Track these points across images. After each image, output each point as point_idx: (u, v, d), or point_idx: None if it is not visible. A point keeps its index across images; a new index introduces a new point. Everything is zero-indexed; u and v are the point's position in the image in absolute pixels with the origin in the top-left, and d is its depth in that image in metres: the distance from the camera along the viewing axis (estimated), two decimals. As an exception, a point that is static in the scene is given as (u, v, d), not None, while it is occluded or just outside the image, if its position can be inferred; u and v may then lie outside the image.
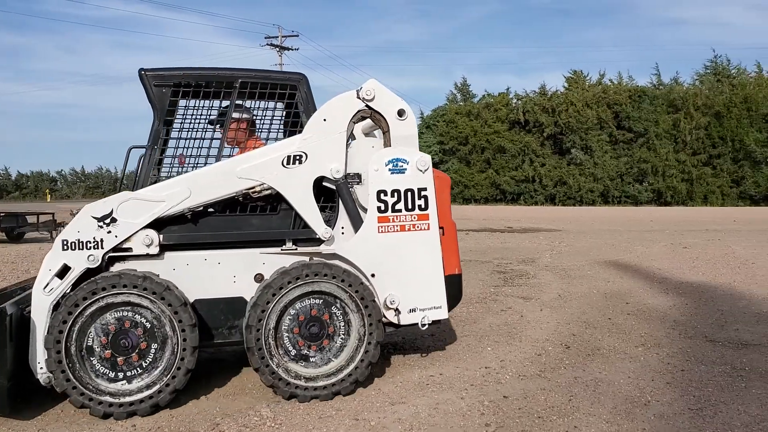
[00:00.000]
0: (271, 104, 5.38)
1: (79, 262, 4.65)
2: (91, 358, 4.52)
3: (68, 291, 4.60)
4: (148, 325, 4.59)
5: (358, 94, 5.10)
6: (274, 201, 5.09)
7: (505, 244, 16.78)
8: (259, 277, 4.98)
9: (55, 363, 4.40)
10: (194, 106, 5.18)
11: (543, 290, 9.49)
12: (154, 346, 4.60)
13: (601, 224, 25.57)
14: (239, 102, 5.26)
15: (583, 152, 51.49)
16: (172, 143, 5.11)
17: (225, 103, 5.20)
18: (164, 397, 4.56)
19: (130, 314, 4.57)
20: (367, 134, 5.54)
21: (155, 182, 4.95)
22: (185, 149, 5.09)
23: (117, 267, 4.82)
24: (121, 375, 4.56)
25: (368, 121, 5.34)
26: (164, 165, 5.07)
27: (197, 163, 5.05)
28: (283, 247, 5.05)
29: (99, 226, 4.69)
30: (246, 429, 4.28)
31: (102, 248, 4.68)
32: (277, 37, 50.43)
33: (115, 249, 4.73)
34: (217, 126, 5.23)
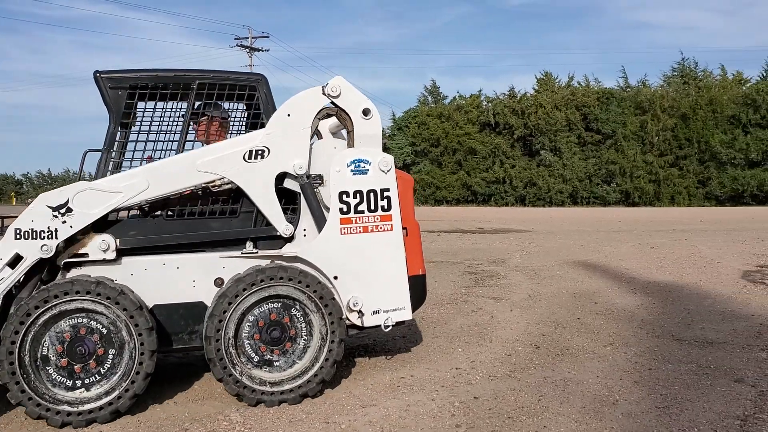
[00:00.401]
0: (232, 105, 5.29)
1: (32, 251, 4.50)
2: (47, 368, 4.37)
3: (19, 281, 4.49)
4: (104, 330, 4.44)
5: (323, 90, 5.02)
6: (234, 202, 4.99)
7: (476, 245, 16.81)
8: (219, 282, 4.86)
9: (9, 374, 4.23)
10: (152, 108, 5.06)
11: (513, 291, 9.49)
12: (112, 351, 4.46)
13: (570, 225, 25.79)
14: (197, 102, 5.13)
15: (553, 154, 52.02)
16: (129, 146, 4.98)
17: (184, 104, 5.08)
18: (124, 403, 4.42)
19: (85, 321, 4.42)
20: (334, 134, 5.46)
21: None
22: (143, 152, 4.95)
23: (73, 273, 4.67)
24: (78, 383, 4.41)
25: (335, 120, 5.27)
26: (122, 168, 4.93)
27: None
28: (244, 251, 4.94)
29: (54, 215, 4.54)
30: (210, 436, 4.18)
31: (56, 238, 4.54)
32: (247, 38, 50.16)
33: (69, 242, 4.59)
34: (190, 126, 5.11)
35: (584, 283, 10.17)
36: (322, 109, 5.05)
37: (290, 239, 5.03)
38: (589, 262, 12.67)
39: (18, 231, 4.51)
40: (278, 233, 4.94)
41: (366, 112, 5.09)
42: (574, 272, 11.37)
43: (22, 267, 4.50)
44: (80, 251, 4.67)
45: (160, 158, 4.93)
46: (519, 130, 52.93)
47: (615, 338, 6.49)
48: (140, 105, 4.99)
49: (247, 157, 4.87)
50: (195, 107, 5.07)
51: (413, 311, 5.24)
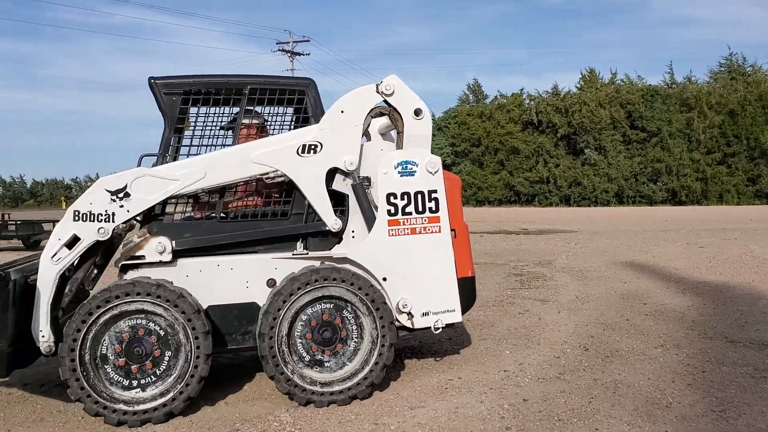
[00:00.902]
0: (281, 109, 5.38)
1: (89, 233, 4.65)
2: (106, 366, 4.51)
3: (75, 262, 4.64)
4: (161, 332, 4.57)
5: (377, 88, 5.07)
6: (285, 204, 5.07)
7: (520, 246, 16.67)
8: (271, 282, 4.95)
9: (70, 371, 4.40)
10: (205, 113, 5.18)
11: (560, 292, 9.40)
12: (168, 353, 4.58)
13: (617, 224, 25.36)
14: (249, 107, 5.24)
15: (597, 152, 51.13)
16: (183, 150, 5.10)
17: (235, 109, 5.19)
18: (178, 405, 4.54)
19: (143, 322, 4.55)
20: (383, 135, 5.49)
21: None
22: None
23: (131, 274, 4.81)
24: (135, 383, 4.54)
25: (385, 121, 5.31)
26: None
27: None
28: (294, 252, 5.02)
29: (112, 199, 4.69)
30: (263, 435, 4.25)
31: (113, 222, 4.68)
32: (289, 42, 50.60)
33: (126, 222, 4.76)
34: (229, 131, 5.22)
35: (632, 283, 10.02)
36: (374, 107, 5.10)
37: (339, 241, 5.09)
38: (637, 263, 12.46)
39: (77, 213, 4.66)
40: (327, 228, 5.00)
41: (417, 112, 5.12)
42: (622, 273, 11.20)
43: (79, 248, 4.66)
44: (137, 253, 4.81)
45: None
46: (563, 128, 52.17)
47: (666, 340, 6.39)
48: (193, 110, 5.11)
49: (300, 151, 4.95)
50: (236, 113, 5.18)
51: (463, 313, 5.26)
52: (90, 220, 4.65)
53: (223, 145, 5.08)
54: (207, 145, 5.07)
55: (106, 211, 4.67)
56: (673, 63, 76.13)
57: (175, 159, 5.03)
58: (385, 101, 5.10)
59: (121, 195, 4.69)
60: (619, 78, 54.13)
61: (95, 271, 5.07)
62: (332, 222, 5.00)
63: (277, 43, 50.51)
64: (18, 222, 19.30)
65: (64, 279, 4.71)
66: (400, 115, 5.10)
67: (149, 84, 5.00)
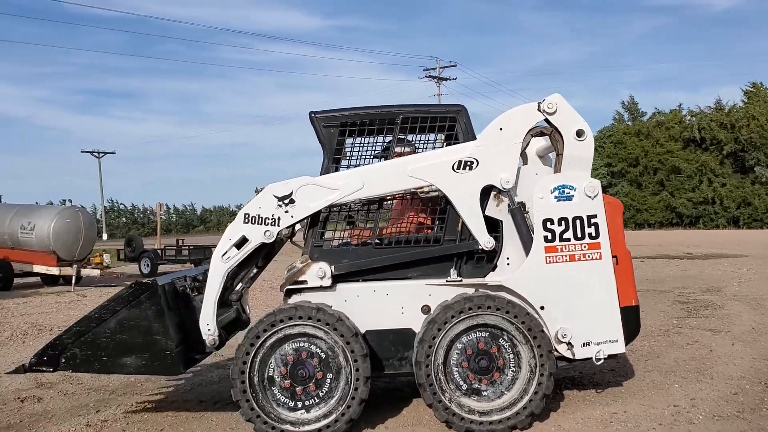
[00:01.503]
0: (432, 136, 5.44)
1: (257, 235, 4.95)
2: (273, 388, 4.74)
3: (242, 260, 4.98)
4: (323, 355, 4.74)
5: (539, 107, 4.99)
6: (437, 230, 5.10)
7: (685, 272, 15.64)
8: (426, 309, 4.98)
9: (241, 392, 4.66)
10: (360, 143, 5.37)
11: (733, 322, 8.68)
12: (330, 375, 4.73)
13: (797, 248, 23.07)
14: (401, 136, 5.35)
15: (770, 170, 47.02)
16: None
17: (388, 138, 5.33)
18: (340, 427, 4.66)
19: (306, 345, 4.75)
20: (542, 157, 5.37)
21: (325, 219, 5.17)
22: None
23: (294, 299, 5.05)
24: (300, 404, 4.74)
25: (543, 143, 5.22)
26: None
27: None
28: (448, 279, 5.03)
29: (278, 204, 4.97)
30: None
31: (278, 226, 4.96)
32: (435, 68, 51.30)
33: (289, 228, 5.03)
34: (382, 160, 5.36)
35: (820, 314, 9.04)
36: (535, 126, 5.02)
37: (493, 268, 5.04)
38: (824, 291, 11.24)
39: (247, 215, 4.99)
40: (480, 246, 4.97)
41: (580, 133, 4.98)
42: (806, 302, 10.14)
43: (247, 249, 4.98)
44: (300, 278, 5.04)
45: None
46: (729, 145, 48.64)
47: None
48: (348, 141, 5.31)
49: (455, 167, 4.97)
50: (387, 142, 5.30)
51: (626, 344, 4.99)
52: (258, 223, 4.96)
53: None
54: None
55: (272, 215, 4.96)
56: None
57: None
58: (547, 120, 5.00)
59: (286, 201, 4.97)
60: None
61: (254, 271, 5.38)
62: (485, 240, 4.96)
63: (424, 70, 51.35)
64: (191, 247, 21.01)
65: (231, 278, 5.07)
66: (561, 136, 4.98)
67: (310, 118, 5.26)
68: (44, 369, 4.99)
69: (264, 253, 5.24)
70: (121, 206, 70.54)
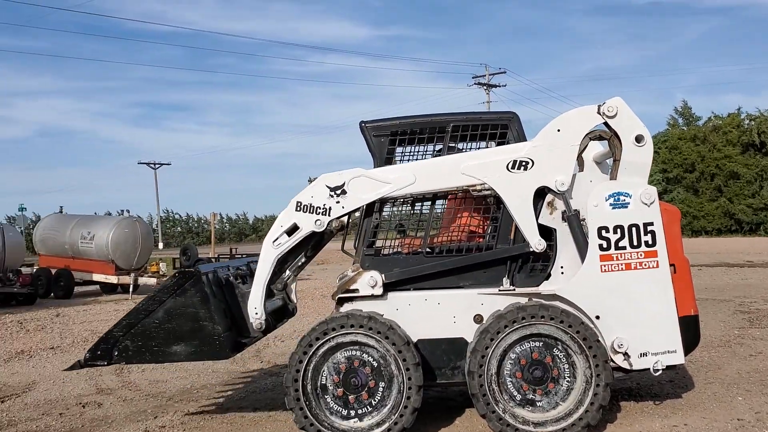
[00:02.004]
0: (484, 144, 5.40)
1: (308, 223, 5.01)
2: (326, 396, 4.77)
3: (292, 247, 5.03)
4: (375, 363, 4.75)
5: (599, 110, 4.92)
6: (488, 238, 5.07)
7: (746, 280, 15.14)
8: (478, 318, 4.95)
9: (294, 400, 4.71)
10: (410, 152, 5.38)
11: (799, 333, 8.35)
12: (382, 384, 4.74)
13: None
14: (452, 144, 5.34)
15: (836, 174, 45.15)
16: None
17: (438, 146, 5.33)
18: (391, 437, 4.65)
19: (358, 353, 4.77)
20: (599, 163, 5.28)
21: (376, 226, 5.18)
22: None
23: (346, 307, 5.08)
24: (353, 413, 4.75)
25: (601, 150, 5.13)
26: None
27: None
28: (501, 288, 4.98)
29: (330, 195, 5.02)
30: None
31: (329, 215, 5.01)
32: (484, 75, 50.98)
33: (338, 219, 5.07)
34: None
35: None
36: (593, 130, 4.95)
37: (547, 277, 4.97)
38: None
39: (299, 204, 5.05)
40: (530, 248, 4.91)
41: (639, 138, 4.89)
42: None
43: (297, 236, 5.04)
44: (351, 287, 5.06)
45: None
46: (791, 149, 46.86)
47: None
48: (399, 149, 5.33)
49: (510, 166, 4.93)
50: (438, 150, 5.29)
51: (685, 355, 4.86)
52: (309, 212, 5.02)
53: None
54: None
55: (324, 204, 5.02)
56: None
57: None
58: (606, 124, 4.92)
59: (338, 192, 5.01)
60: None
61: (303, 260, 5.41)
62: (536, 242, 4.89)
63: (473, 77, 51.04)
64: (243, 255, 21.31)
65: (281, 263, 5.13)
66: (620, 141, 4.89)
67: (360, 128, 5.31)
68: (99, 363, 5.12)
69: (313, 243, 5.28)
70: (176, 216, 72.02)
